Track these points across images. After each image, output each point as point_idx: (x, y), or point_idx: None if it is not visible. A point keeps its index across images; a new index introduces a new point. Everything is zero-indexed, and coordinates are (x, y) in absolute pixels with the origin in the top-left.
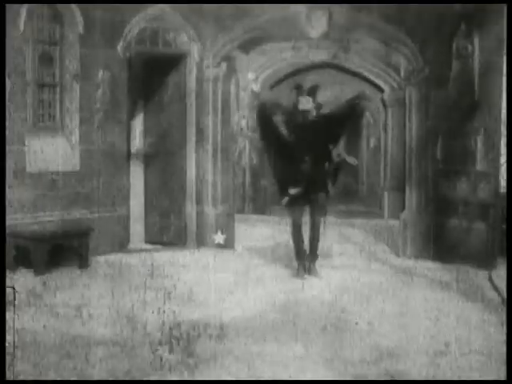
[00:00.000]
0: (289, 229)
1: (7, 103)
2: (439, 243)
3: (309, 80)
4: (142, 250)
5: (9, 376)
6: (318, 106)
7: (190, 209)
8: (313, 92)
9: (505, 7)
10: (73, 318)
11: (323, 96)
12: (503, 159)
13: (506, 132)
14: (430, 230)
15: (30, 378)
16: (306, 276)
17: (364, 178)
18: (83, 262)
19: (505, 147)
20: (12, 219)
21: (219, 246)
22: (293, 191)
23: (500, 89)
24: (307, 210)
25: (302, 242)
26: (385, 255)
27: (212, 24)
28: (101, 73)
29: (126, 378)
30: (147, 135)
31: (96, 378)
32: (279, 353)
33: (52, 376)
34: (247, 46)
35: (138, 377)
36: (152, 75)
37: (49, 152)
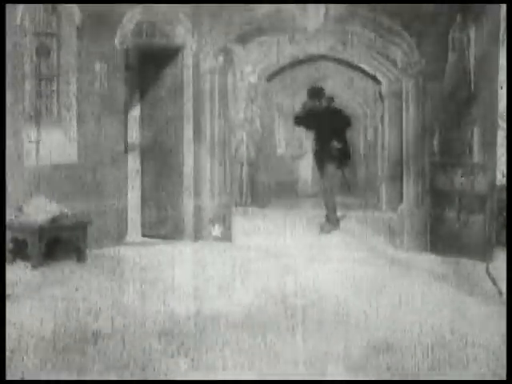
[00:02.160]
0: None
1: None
2: (436, 235)
3: (305, 72)
4: (139, 243)
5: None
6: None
7: (188, 202)
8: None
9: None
10: (71, 311)
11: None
12: (500, 151)
13: (506, 125)
14: (427, 222)
15: (27, 370)
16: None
17: (361, 169)
18: (81, 255)
19: (502, 139)
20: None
21: (217, 238)
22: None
23: (496, 80)
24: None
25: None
26: (382, 247)
27: (209, 16)
28: (98, 65)
29: (124, 371)
30: (144, 128)
31: (94, 371)
32: (277, 345)
33: (49, 369)
34: (244, 39)
35: (135, 370)
36: (149, 67)
37: (46, 144)
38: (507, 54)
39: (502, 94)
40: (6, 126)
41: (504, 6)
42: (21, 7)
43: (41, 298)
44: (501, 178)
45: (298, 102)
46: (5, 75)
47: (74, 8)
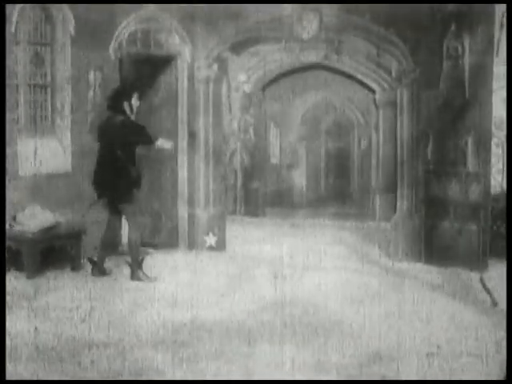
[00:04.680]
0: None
1: None
2: (430, 245)
3: (300, 82)
4: None
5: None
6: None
7: (182, 211)
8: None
9: (501, 7)
10: (65, 321)
11: (314, 98)
12: (494, 159)
13: (506, 133)
14: (421, 231)
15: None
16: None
17: (355, 179)
18: (75, 264)
19: (496, 147)
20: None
21: (211, 248)
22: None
23: (490, 89)
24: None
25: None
26: (376, 257)
27: (203, 25)
28: (92, 74)
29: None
30: None
31: (87, 380)
32: (271, 354)
33: (43, 378)
34: (238, 48)
35: (129, 379)
36: (143, 76)
37: (40, 153)
38: (507, 54)
39: (497, 102)
40: (5, 134)
41: (500, 10)
42: (15, 16)
43: (35, 307)
44: (495, 187)
45: (292, 111)
46: (5, 76)
47: (69, 17)
